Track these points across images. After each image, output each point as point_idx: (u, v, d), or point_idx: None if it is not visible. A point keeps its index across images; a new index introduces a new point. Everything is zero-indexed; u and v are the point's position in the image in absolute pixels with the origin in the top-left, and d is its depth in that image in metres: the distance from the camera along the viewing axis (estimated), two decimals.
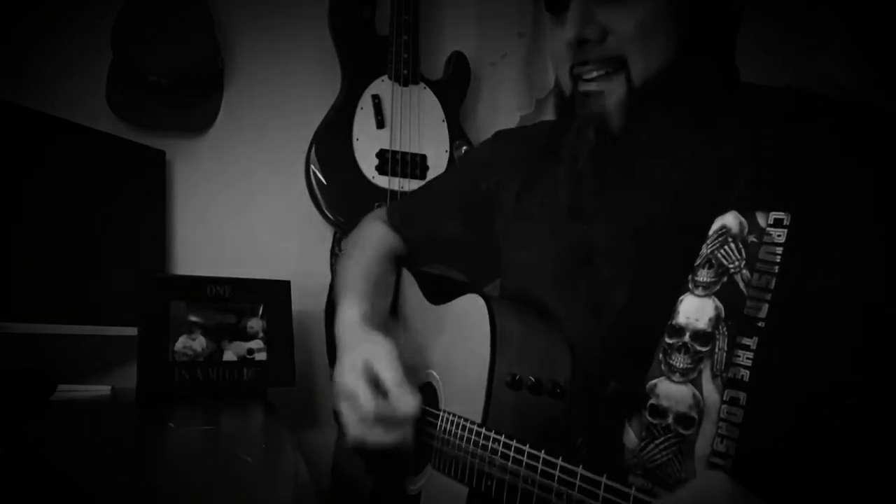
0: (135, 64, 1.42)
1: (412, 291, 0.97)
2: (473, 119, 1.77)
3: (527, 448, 0.61)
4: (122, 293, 1.32)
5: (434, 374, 0.84)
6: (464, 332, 0.78)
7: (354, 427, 0.75)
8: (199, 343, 1.30)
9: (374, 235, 1.02)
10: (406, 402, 0.74)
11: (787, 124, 0.67)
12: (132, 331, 1.27)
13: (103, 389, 1.31)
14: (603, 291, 0.72)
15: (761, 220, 0.61)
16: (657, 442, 0.63)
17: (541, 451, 0.60)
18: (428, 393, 0.83)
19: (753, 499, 0.43)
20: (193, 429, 1.05)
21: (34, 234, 1.24)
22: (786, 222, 0.60)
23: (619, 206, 0.73)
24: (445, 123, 1.64)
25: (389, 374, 0.75)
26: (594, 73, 0.70)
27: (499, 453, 0.65)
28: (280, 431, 1.06)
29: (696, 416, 0.61)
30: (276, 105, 1.62)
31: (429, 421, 0.79)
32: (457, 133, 1.65)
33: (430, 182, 1.10)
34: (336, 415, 1.35)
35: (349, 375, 0.77)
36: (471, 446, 0.69)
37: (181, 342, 1.28)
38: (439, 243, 0.99)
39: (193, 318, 1.31)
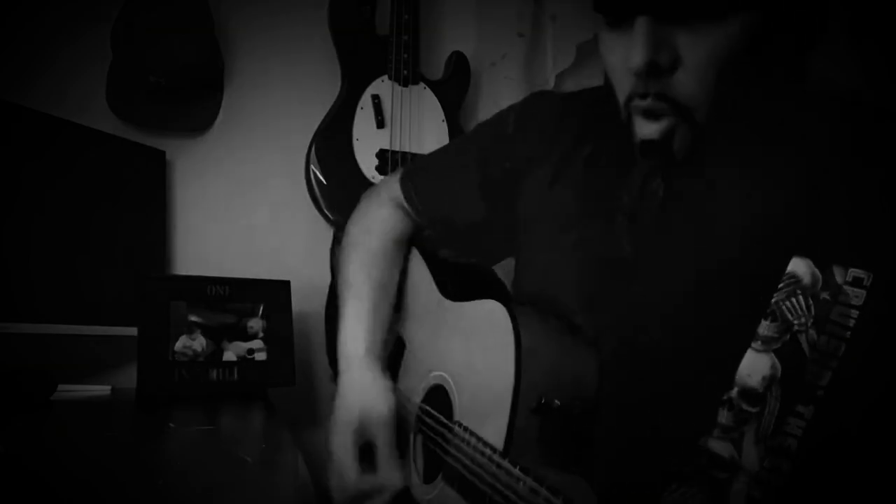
0: (135, 64, 1.42)
1: (423, 280, 0.90)
2: (473, 119, 1.76)
3: (548, 495, 0.54)
4: (122, 293, 1.32)
5: (447, 378, 0.78)
6: (483, 339, 0.72)
7: (338, 493, 0.78)
8: (199, 343, 1.30)
9: (381, 222, 0.94)
10: (392, 478, 0.75)
11: (872, 155, 0.58)
12: (132, 331, 1.27)
13: (103, 389, 1.31)
14: (639, 316, 0.64)
15: (839, 275, 0.54)
16: (692, 489, 0.58)
17: (558, 498, 0.52)
18: (439, 396, 0.79)
19: None
20: (193, 429, 1.05)
21: (34, 234, 1.24)
22: (866, 282, 0.53)
23: (679, 239, 0.65)
24: (445, 123, 1.64)
25: (383, 445, 0.77)
26: (655, 110, 0.60)
27: (518, 492, 0.58)
28: (280, 431, 1.06)
29: (723, 477, 0.56)
30: (276, 105, 1.62)
31: (441, 431, 0.75)
32: (457, 133, 1.65)
33: (445, 150, 0.97)
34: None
35: (342, 438, 0.79)
36: (487, 474, 0.63)
37: (181, 342, 1.28)
38: (458, 224, 0.89)
39: (193, 318, 1.31)
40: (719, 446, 0.57)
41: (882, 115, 0.61)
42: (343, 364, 0.85)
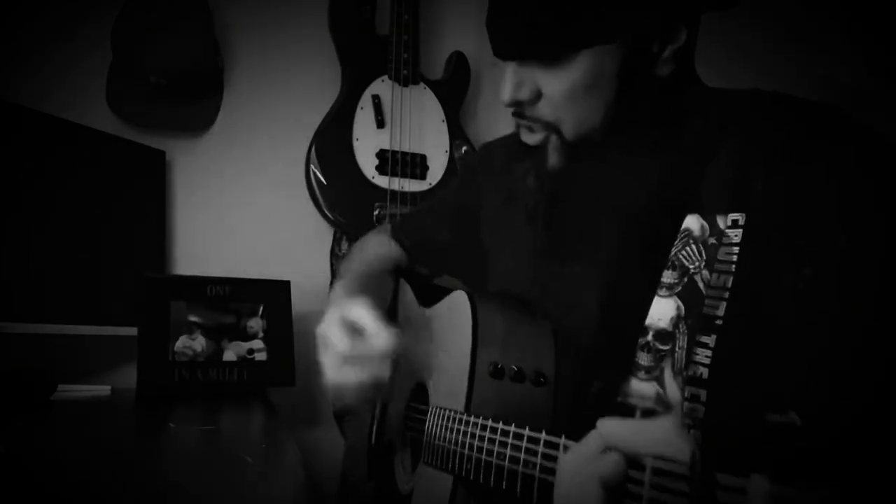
0: (135, 64, 1.42)
1: (409, 299, 0.99)
2: (473, 119, 1.77)
3: (512, 428, 0.62)
4: (122, 293, 1.32)
5: (426, 374, 0.85)
6: (449, 327, 0.79)
7: (331, 371, 0.76)
8: (199, 343, 1.30)
9: (375, 242, 1.07)
10: (381, 337, 0.73)
11: (749, 127, 0.68)
12: (132, 331, 1.27)
13: (103, 389, 1.31)
14: (577, 292, 0.74)
15: (721, 222, 0.63)
16: None
17: (524, 429, 0.60)
18: (420, 394, 0.84)
19: (688, 438, 0.44)
20: (193, 429, 1.05)
21: (34, 234, 1.24)
22: (741, 222, 0.62)
23: (590, 218, 0.76)
24: (445, 123, 1.64)
25: (365, 317, 0.75)
26: (532, 127, 0.75)
27: (479, 437, 0.66)
28: (280, 431, 1.06)
29: (660, 410, 0.62)
30: (276, 105, 1.62)
31: (419, 419, 0.80)
32: (457, 133, 1.65)
33: (434, 195, 1.16)
34: (336, 418, 1.36)
35: (324, 326, 0.78)
36: (455, 435, 0.70)
37: (181, 342, 1.29)
38: (433, 249, 1.03)
39: (193, 318, 1.31)
40: (645, 387, 0.64)
41: (761, 100, 0.72)
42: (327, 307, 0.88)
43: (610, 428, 0.48)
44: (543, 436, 0.58)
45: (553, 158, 0.75)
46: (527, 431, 0.60)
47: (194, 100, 1.52)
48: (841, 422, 0.50)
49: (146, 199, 1.46)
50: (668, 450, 0.43)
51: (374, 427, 0.97)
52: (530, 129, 0.76)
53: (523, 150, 0.83)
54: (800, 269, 0.60)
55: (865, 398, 0.53)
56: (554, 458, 0.56)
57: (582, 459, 0.49)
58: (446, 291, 0.86)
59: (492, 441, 0.64)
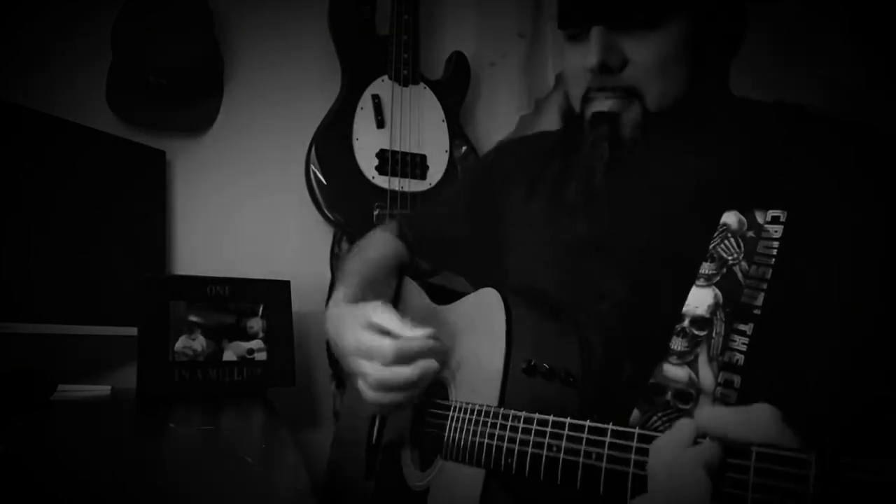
0: (135, 64, 1.42)
1: (418, 299, 0.98)
2: (473, 119, 1.77)
3: (551, 418, 0.62)
4: (122, 293, 1.32)
5: (444, 372, 0.83)
6: (477, 325, 0.79)
7: (378, 372, 0.74)
8: (199, 343, 1.30)
9: (377, 240, 1.05)
10: (418, 335, 0.73)
11: (784, 131, 0.71)
12: (132, 331, 1.27)
13: (103, 389, 1.31)
14: (604, 284, 0.74)
15: (760, 217, 0.65)
16: (658, 415, 0.65)
17: (566, 418, 0.60)
18: (438, 391, 0.83)
19: (788, 428, 0.45)
20: (193, 429, 1.05)
21: (34, 235, 1.24)
22: (782, 219, 0.63)
23: (630, 206, 0.76)
24: (445, 123, 1.64)
25: (392, 321, 0.75)
26: (610, 100, 0.73)
27: (520, 430, 0.65)
28: (280, 431, 1.06)
29: (693, 393, 0.63)
30: (276, 105, 1.62)
31: (439, 414, 0.80)
32: (457, 133, 1.65)
33: (441, 194, 1.14)
34: (336, 414, 1.35)
35: (354, 335, 0.77)
36: (488, 429, 0.70)
37: (181, 342, 1.28)
38: (445, 244, 1.02)
39: (193, 318, 1.31)
40: (677, 372, 0.65)
41: (788, 111, 0.74)
42: (328, 314, 0.88)
43: (708, 416, 0.47)
44: (588, 423, 0.58)
45: (628, 130, 0.74)
46: (568, 420, 0.60)
47: (194, 100, 1.52)
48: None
49: (146, 199, 1.46)
50: (770, 436, 0.43)
51: (377, 426, 0.97)
52: (604, 99, 0.74)
53: (551, 148, 0.85)
54: (839, 261, 0.62)
55: None
56: (601, 443, 0.56)
57: (679, 448, 0.48)
58: (465, 291, 0.85)
59: (529, 431, 0.64)
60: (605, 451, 0.56)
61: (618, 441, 0.55)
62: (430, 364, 0.73)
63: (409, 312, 0.98)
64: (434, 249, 1.03)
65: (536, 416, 0.64)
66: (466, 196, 1.01)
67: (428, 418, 0.83)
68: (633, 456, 0.54)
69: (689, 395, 0.63)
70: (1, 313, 1.16)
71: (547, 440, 0.62)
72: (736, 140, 0.74)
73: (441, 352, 0.74)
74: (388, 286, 0.99)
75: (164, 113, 1.49)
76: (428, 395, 0.84)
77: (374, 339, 0.75)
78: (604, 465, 0.56)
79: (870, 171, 0.66)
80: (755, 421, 0.45)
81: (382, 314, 0.77)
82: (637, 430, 0.54)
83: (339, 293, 0.90)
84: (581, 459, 0.58)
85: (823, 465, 0.40)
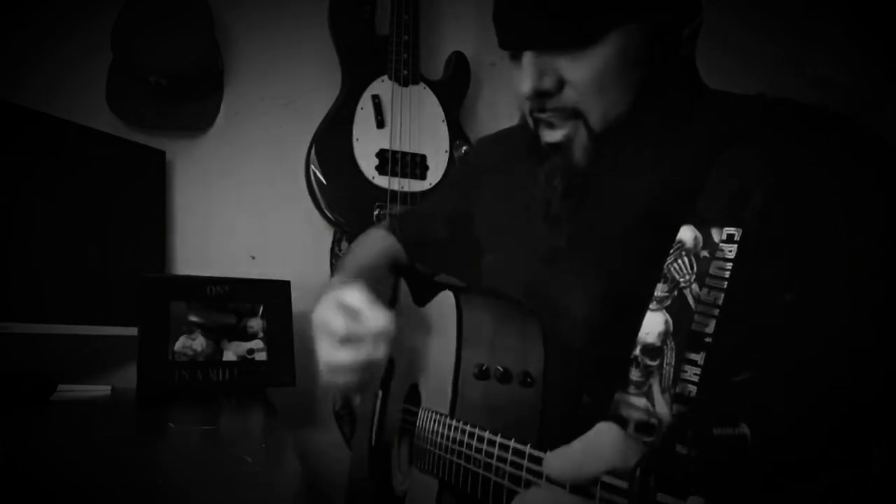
0: (135, 64, 1.42)
1: (404, 300, 0.99)
2: (473, 119, 1.77)
3: (498, 439, 0.57)
4: (122, 293, 1.32)
5: (419, 375, 0.84)
6: (438, 328, 0.78)
7: (328, 353, 0.75)
8: (198, 343, 1.30)
9: (374, 237, 1.07)
10: (375, 318, 0.72)
11: (754, 136, 0.66)
12: (132, 331, 1.27)
13: (103, 389, 1.31)
14: (571, 301, 0.73)
15: (715, 235, 0.61)
16: None
17: (510, 440, 0.55)
18: (415, 395, 0.83)
19: (632, 443, 0.43)
20: (193, 429, 1.05)
21: (34, 234, 1.24)
22: (736, 238, 0.60)
23: (587, 230, 0.75)
24: (445, 123, 1.64)
25: (358, 299, 0.75)
26: (554, 122, 0.71)
27: (465, 444, 0.63)
28: (280, 431, 1.06)
29: (654, 423, 0.61)
30: (276, 105, 1.62)
31: (412, 420, 0.80)
32: (457, 133, 1.65)
33: (433, 193, 1.17)
34: (336, 417, 1.36)
35: (320, 312, 0.77)
36: (440, 439, 0.68)
37: (181, 342, 1.28)
38: (431, 246, 1.03)
39: (193, 318, 1.31)
40: (636, 401, 0.63)
41: (766, 102, 0.71)
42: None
43: (550, 466, 0.46)
44: (529, 449, 0.53)
45: (578, 154, 0.72)
46: (512, 443, 0.55)
47: (194, 100, 1.52)
48: (804, 441, 0.48)
49: (146, 199, 1.46)
50: (614, 460, 0.42)
51: (375, 426, 0.97)
52: (551, 126, 0.72)
53: (524, 149, 0.81)
54: (791, 285, 0.59)
55: (836, 419, 0.52)
56: (532, 472, 0.52)
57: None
58: (438, 291, 0.84)
59: (471, 447, 0.61)
60: (508, 467, 0.54)
61: (517, 459, 0.53)
62: (371, 352, 0.72)
63: (403, 311, 0.98)
64: (425, 252, 1.04)
65: (468, 427, 0.62)
66: (448, 199, 1.02)
67: (405, 424, 0.83)
68: (523, 474, 0.51)
69: (651, 427, 0.61)
70: (1, 313, 1.16)
71: (474, 454, 0.60)
72: (693, 147, 0.71)
73: (389, 340, 0.73)
74: (384, 279, 1.00)
75: (164, 113, 1.49)
76: (407, 399, 0.84)
77: (331, 315, 0.75)
78: (505, 483, 0.53)
79: (841, 179, 0.62)
80: (597, 448, 0.43)
81: (352, 293, 0.75)
82: (528, 450, 0.51)
83: (335, 279, 0.90)
84: (492, 477, 0.56)
85: (637, 499, 0.38)
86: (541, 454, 0.51)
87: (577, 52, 0.66)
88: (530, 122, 0.75)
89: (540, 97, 0.69)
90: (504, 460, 0.55)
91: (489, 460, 0.57)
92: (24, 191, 1.23)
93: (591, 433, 0.44)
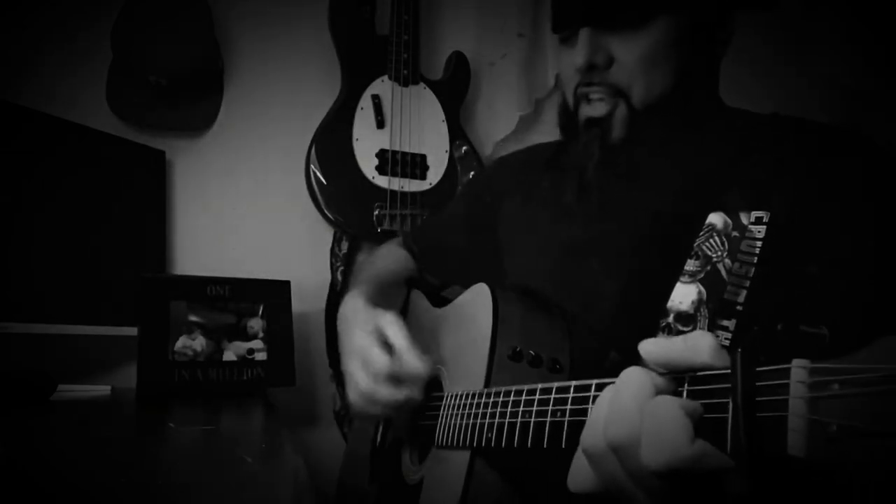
0: (135, 64, 1.42)
1: (420, 304, 1.01)
2: (473, 119, 1.77)
3: (526, 387, 0.62)
4: (122, 293, 1.32)
5: (439, 367, 0.85)
6: (467, 319, 0.81)
7: (366, 384, 0.79)
8: (199, 343, 1.30)
9: (386, 252, 1.10)
10: (416, 362, 0.77)
11: (774, 136, 0.74)
12: (132, 331, 1.27)
13: (103, 389, 1.31)
14: (597, 282, 0.77)
15: (744, 218, 0.67)
16: None
17: (537, 385, 0.60)
18: (433, 386, 0.84)
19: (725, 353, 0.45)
20: (193, 429, 1.05)
21: (34, 234, 1.24)
22: (765, 220, 0.66)
23: (619, 205, 0.79)
24: (445, 123, 1.64)
25: (399, 338, 0.79)
26: (598, 96, 0.77)
27: (499, 404, 0.66)
28: (280, 431, 1.06)
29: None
30: (276, 105, 1.62)
31: (434, 406, 0.82)
32: (457, 133, 1.65)
33: (442, 207, 1.20)
34: (336, 414, 1.35)
35: (360, 338, 0.81)
36: (472, 410, 0.71)
37: (181, 342, 1.28)
38: (445, 252, 1.06)
39: (193, 318, 1.31)
40: None
41: (784, 122, 0.77)
42: (344, 312, 0.91)
43: (647, 349, 0.47)
44: (573, 383, 0.56)
45: (617, 130, 0.77)
46: (554, 384, 0.59)
47: (194, 100, 1.52)
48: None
49: (146, 199, 1.46)
50: (712, 360, 0.44)
51: (380, 429, 0.97)
52: (594, 101, 0.77)
53: (546, 158, 0.89)
54: (817, 261, 0.64)
55: None
56: (584, 400, 0.54)
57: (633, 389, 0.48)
58: (457, 294, 0.88)
59: (515, 404, 0.64)
60: (569, 406, 0.56)
61: (580, 395, 0.55)
62: (411, 395, 0.78)
63: (413, 318, 1.00)
64: (437, 259, 1.07)
65: (514, 388, 0.65)
66: (464, 207, 1.05)
67: (426, 412, 0.84)
68: (590, 406, 0.53)
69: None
70: (1, 313, 1.16)
71: (521, 408, 0.63)
72: (724, 139, 0.77)
73: (425, 384, 0.78)
74: (398, 296, 1.03)
75: (164, 113, 1.49)
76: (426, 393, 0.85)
77: (375, 350, 0.79)
78: (566, 419, 0.55)
79: (862, 180, 0.68)
80: (692, 344, 0.45)
81: (392, 326, 0.80)
82: (594, 381, 0.53)
83: (358, 290, 0.92)
84: (548, 419, 0.58)
85: (741, 379, 0.40)
86: (567, 383, 0.56)
87: (630, 33, 0.73)
88: (570, 99, 0.80)
89: (590, 70, 0.75)
90: (531, 403, 0.60)
91: (544, 408, 0.60)
92: (24, 191, 1.23)
93: (693, 333, 0.46)
